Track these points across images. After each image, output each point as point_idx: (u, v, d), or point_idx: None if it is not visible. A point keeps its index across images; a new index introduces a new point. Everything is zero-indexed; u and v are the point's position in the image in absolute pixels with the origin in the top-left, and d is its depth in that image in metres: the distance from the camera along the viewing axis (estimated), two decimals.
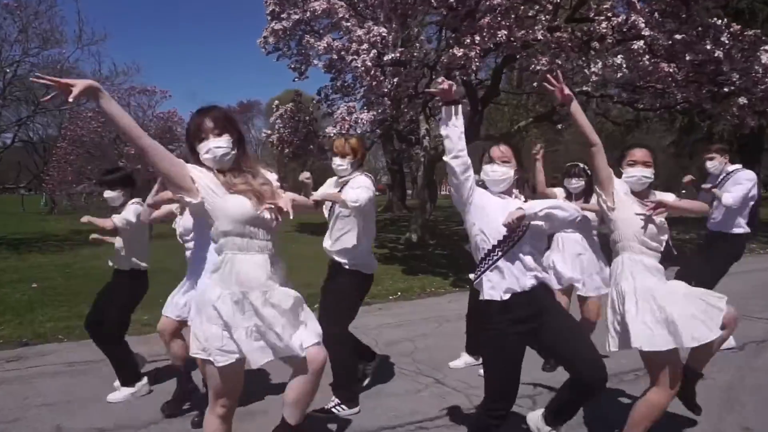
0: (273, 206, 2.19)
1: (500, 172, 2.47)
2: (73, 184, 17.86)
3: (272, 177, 2.35)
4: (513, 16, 6.88)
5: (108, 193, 3.75)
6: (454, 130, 2.38)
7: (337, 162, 3.40)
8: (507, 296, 2.34)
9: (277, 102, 13.42)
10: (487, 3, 7.12)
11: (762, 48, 8.03)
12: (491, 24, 6.86)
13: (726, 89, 8.67)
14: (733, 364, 4.14)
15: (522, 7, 6.88)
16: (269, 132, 13.59)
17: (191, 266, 3.37)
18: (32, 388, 3.98)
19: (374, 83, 8.56)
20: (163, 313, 3.48)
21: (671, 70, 8.10)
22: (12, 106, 13.87)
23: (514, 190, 2.56)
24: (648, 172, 2.66)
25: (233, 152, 2.18)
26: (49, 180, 17.82)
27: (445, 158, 2.44)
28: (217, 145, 2.14)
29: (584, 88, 10.56)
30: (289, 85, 13.55)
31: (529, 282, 2.38)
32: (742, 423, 3.18)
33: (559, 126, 11.33)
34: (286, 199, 2.25)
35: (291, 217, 2.22)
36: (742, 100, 8.60)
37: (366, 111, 8.98)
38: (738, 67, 8.14)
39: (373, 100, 9.17)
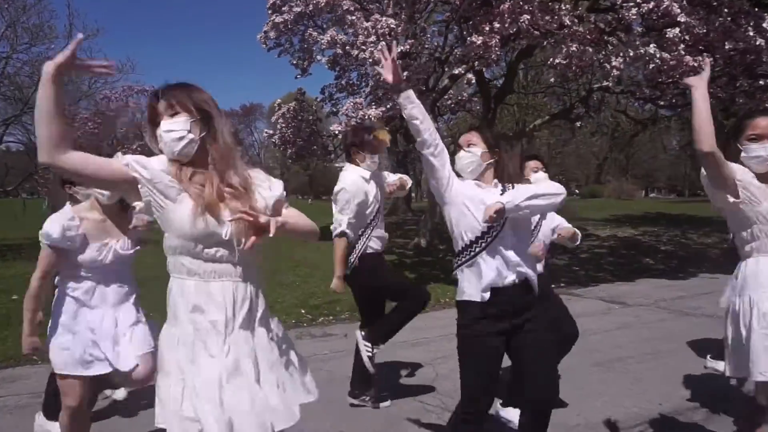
0: (244, 219, 1.53)
1: (466, 156, 2.31)
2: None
3: (276, 187, 1.75)
4: (536, 1, 6.26)
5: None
6: (418, 110, 2.22)
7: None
8: (486, 295, 2.17)
9: (279, 101, 12.82)
10: None
11: None
12: (513, 9, 6.24)
13: (762, 82, 8.04)
14: None
15: None
16: (271, 132, 13.05)
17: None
18: None
19: (382, 77, 7.96)
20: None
21: (697, 63, 7.50)
22: (0, 105, 13.29)
23: (495, 181, 2.36)
24: None
25: (190, 136, 1.60)
26: (44, 183, 17.25)
27: (420, 149, 2.26)
28: (168, 128, 1.60)
29: (604, 84, 9.97)
30: (291, 88, 13.00)
31: (509, 278, 2.19)
32: None
33: (578, 124, 10.69)
34: (275, 220, 1.57)
35: (270, 235, 1.56)
36: None
37: (374, 107, 8.38)
38: None
39: (381, 95, 8.57)
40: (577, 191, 51.13)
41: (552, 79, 9.62)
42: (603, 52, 7.93)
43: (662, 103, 10.65)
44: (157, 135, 1.63)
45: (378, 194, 3.39)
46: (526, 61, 12.47)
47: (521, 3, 6.34)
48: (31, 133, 22.51)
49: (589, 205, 25.34)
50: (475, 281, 2.19)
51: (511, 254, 2.19)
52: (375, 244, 3.37)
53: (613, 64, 7.64)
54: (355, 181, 3.29)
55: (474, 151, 2.30)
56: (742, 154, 2.10)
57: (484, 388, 2.24)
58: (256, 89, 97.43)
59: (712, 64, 7.79)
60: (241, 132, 59.95)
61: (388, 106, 8.36)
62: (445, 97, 11.60)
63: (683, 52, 6.95)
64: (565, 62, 7.82)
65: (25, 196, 33.03)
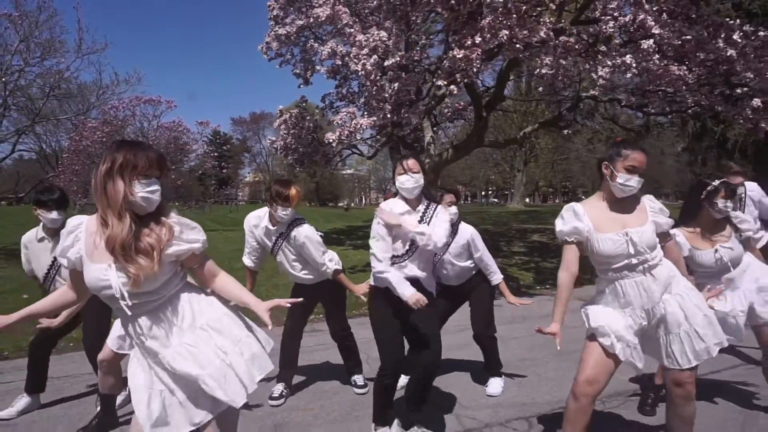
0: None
1: (411, 180, 2.91)
2: (78, 195, 17.84)
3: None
4: (515, 15, 6.62)
5: (50, 215, 3.65)
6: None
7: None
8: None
9: (281, 107, 13.20)
10: (490, 2, 6.89)
11: None
12: (492, 24, 6.62)
13: (739, 90, 8.35)
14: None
15: (524, 7, 6.62)
16: (274, 139, 13.43)
17: None
18: None
19: (374, 88, 8.36)
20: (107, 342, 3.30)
21: (681, 72, 7.82)
22: (13, 116, 13.84)
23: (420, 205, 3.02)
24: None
25: None
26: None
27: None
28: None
29: (591, 92, 10.30)
30: (297, 97, 13.35)
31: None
32: None
33: (566, 132, 11.01)
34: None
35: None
36: (757, 103, 8.26)
37: (366, 116, 8.78)
38: (753, 67, 7.81)
39: (374, 105, 8.97)
40: (583, 197, 51.05)
41: (540, 89, 9.93)
42: (589, 63, 8.27)
43: (652, 110, 10.95)
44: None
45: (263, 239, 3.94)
46: (519, 69, 12.83)
47: (500, 18, 6.70)
48: (42, 142, 23.19)
49: None
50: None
51: (410, 266, 2.97)
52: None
53: (600, 73, 7.97)
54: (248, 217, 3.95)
55: (417, 178, 2.92)
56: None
57: (389, 350, 2.95)
58: (265, 98, 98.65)
59: (693, 73, 8.17)
60: (249, 140, 60.77)
61: (380, 116, 8.76)
62: (442, 105, 11.96)
63: (658, 62, 7.28)
64: (551, 72, 8.18)
65: None
